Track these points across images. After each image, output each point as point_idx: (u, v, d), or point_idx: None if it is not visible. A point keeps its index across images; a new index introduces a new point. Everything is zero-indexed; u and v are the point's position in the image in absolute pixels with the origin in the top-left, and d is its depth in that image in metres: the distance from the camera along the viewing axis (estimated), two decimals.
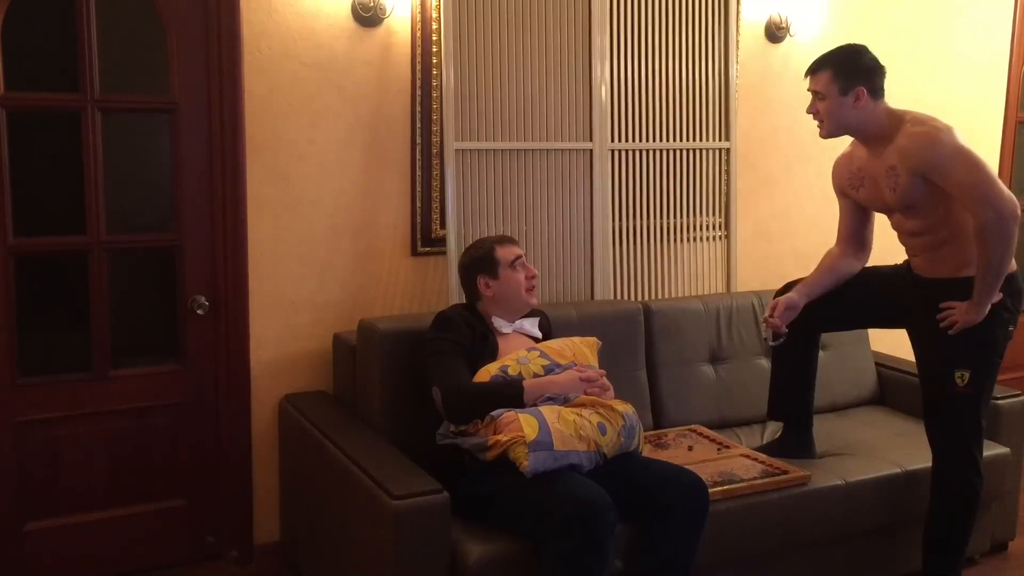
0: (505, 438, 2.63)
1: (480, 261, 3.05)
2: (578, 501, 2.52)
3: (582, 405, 2.79)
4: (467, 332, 2.93)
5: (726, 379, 3.72)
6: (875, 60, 3.03)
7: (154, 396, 3.32)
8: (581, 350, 3.01)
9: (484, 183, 3.51)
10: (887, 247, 3.31)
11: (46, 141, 3.20)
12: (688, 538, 2.75)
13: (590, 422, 2.72)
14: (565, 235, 3.68)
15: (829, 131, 3.07)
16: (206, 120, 3.24)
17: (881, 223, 3.27)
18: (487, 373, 2.85)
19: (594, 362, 3.02)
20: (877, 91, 3.01)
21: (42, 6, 3.09)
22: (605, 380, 2.89)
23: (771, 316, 3.18)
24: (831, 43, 4.17)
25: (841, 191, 3.28)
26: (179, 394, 3.36)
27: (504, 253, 3.03)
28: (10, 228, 3.05)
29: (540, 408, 2.72)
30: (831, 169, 3.31)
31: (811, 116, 3.08)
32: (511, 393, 2.76)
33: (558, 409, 2.73)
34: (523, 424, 2.63)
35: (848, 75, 2.97)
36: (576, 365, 2.91)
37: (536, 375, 2.84)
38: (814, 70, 3.04)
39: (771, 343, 3.24)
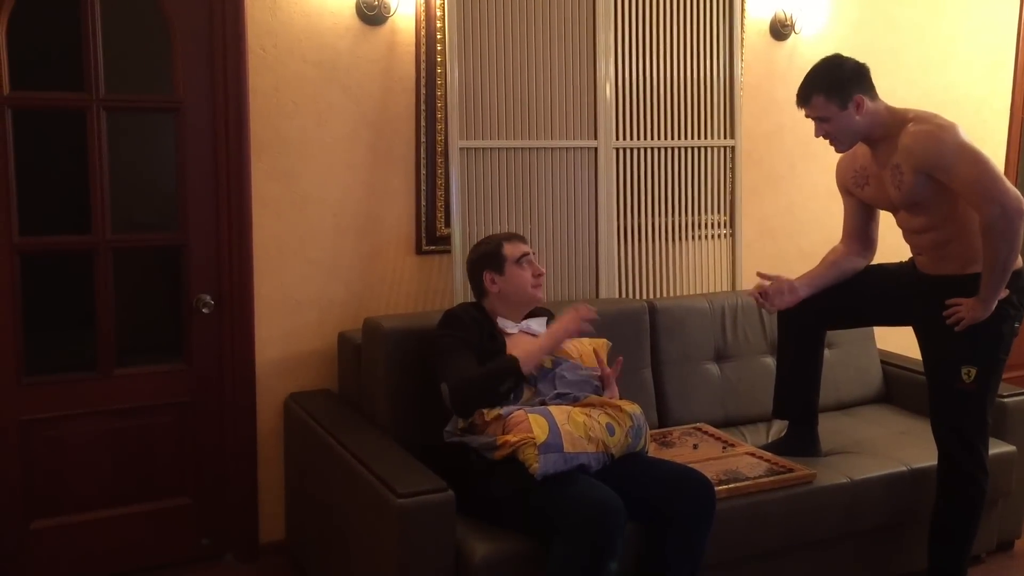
0: (514, 439, 2.63)
1: (487, 257, 3.04)
2: (590, 503, 2.51)
3: (591, 405, 2.79)
4: (475, 330, 2.92)
5: (731, 377, 3.71)
6: (856, 63, 3.00)
7: (159, 395, 3.33)
8: (588, 350, 3.01)
9: (488, 181, 3.51)
10: (892, 245, 3.30)
11: (51, 140, 3.20)
12: (695, 538, 2.74)
13: (599, 423, 2.72)
14: (570, 233, 3.68)
15: (846, 145, 3.05)
16: (211, 119, 3.24)
17: (886, 221, 3.26)
18: None
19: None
20: (871, 91, 2.98)
21: (47, 5, 3.09)
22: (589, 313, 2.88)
23: (762, 294, 3.19)
24: (836, 40, 4.21)
25: (845, 189, 3.28)
26: (184, 393, 3.36)
27: (511, 250, 3.02)
28: (16, 227, 3.06)
29: (549, 408, 2.72)
30: (835, 167, 3.31)
31: (823, 139, 3.05)
32: (508, 365, 2.76)
33: (568, 409, 2.73)
34: (533, 425, 2.62)
35: (840, 90, 2.94)
36: (572, 362, 2.91)
37: (543, 367, 2.84)
38: (805, 99, 2.99)
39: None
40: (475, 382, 2.75)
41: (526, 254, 3.03)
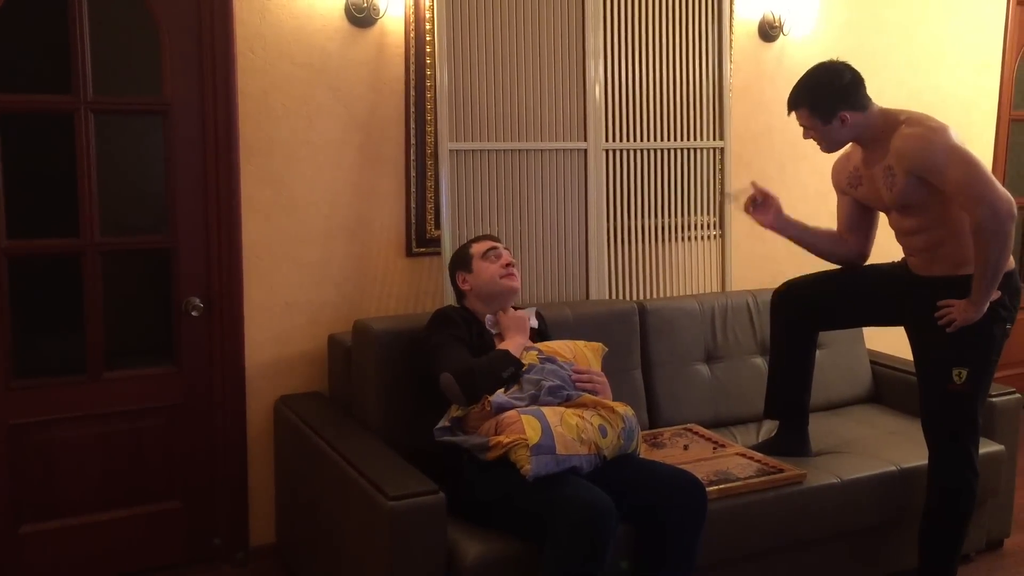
0: (507, 439, 2.63)
1: (456, 259, 3.14)
2: (582, 505, 2.51)
3: (583, 406, 2.79)
4: (464, 327, 2.96)
5: (721, 378, 3.72)
6: (850, 76, 2.99)
7: (149, 398, 3.31)
8: (583, 352, 3.01)
9: (478, 183, 3.51)
10: (884, 246, 3.31)
11: (39, 143, 3.19)
12: (687, 539, 2.74)
13: (592, 424, 2.72)
14: (560, 235, 3.68)
15: (831, 150, 3.11)
16: (199, 121, 3.23)
17: (880, 222, 3.27)
18: None
19: (596, 366, 3.02)
20: (860, 105, 2.99)
21: (34, 7, 3.08)
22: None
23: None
24: (824, 42, 4.22)
25: (840, 190, 3.30)
26: (174, 396, 3.35)
27: (478, 247, 3.10)
28: (3, 230, 3.04)
29: (542, 409, 2.72)
30: (825, 168, 3.34)
31: (811, 140, 3.10)
32: (504, 354, 2.84)
33: (561, 411, 2.73)
34: (525, 426, 2.62)
35: (825, 106, 2.96)
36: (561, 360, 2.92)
37: (533, 364, 2.86)
38: (792, 108, 3.05)
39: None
40: (480, 367, 2.79)
41: (493, 248, 3.08)
